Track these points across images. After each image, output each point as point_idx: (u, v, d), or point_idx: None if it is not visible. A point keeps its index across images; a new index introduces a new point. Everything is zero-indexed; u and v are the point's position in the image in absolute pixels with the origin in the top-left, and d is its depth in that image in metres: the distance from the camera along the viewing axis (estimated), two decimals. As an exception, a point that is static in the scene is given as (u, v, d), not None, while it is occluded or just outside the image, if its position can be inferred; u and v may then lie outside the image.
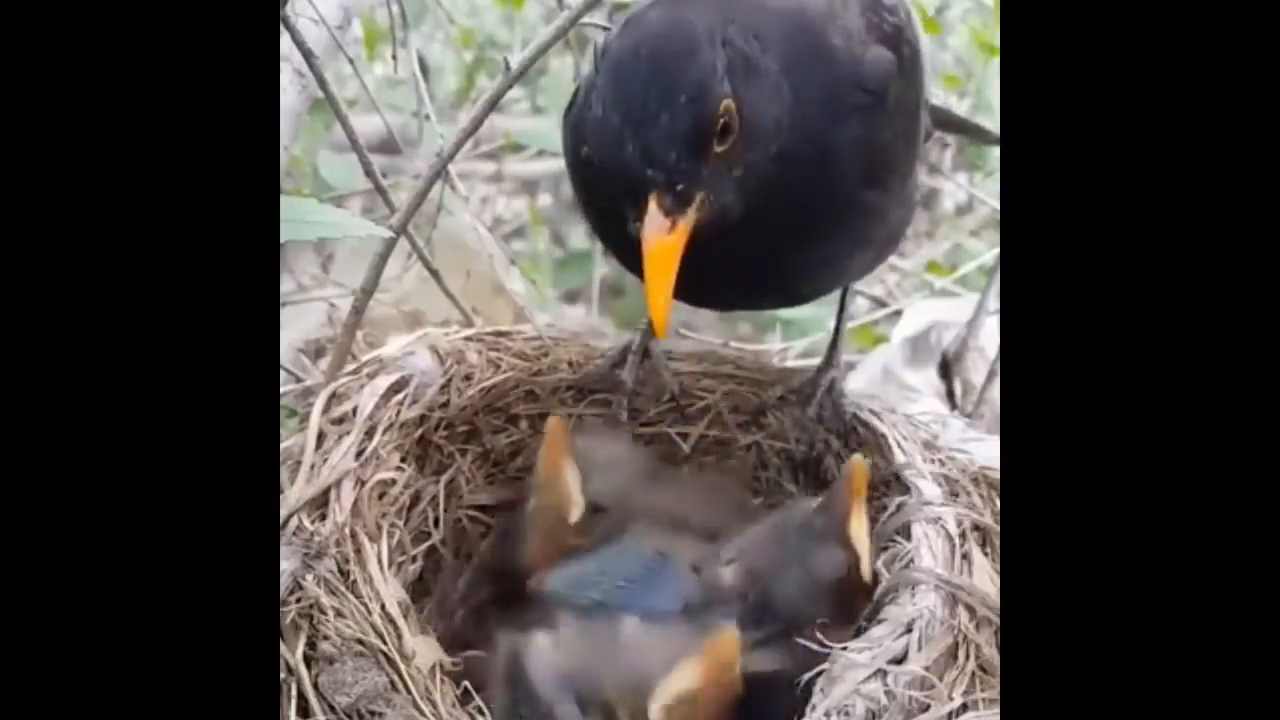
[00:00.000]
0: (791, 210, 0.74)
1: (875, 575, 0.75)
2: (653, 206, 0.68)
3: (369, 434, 0.80)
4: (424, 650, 0.70)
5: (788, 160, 0.72)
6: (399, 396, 0.84)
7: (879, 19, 0.80)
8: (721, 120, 0.68)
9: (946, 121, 1.08)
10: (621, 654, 0.71)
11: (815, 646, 0.70)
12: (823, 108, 0.74)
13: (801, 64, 0.73)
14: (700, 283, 0.75)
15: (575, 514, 0.78)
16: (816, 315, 1.21)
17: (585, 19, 0.89)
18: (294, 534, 0.73)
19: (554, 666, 0.71)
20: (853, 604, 0.74)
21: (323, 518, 0.75)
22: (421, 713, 0.66)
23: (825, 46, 0.76)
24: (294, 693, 0.67)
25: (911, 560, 0.74)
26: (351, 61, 1.05)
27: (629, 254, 0.79)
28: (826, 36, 0.76)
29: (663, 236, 0.68)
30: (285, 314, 1.11)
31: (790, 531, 0.78)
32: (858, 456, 0.78)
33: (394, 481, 0.80)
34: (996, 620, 0.71)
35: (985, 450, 0.85)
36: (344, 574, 0.72)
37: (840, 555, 0.75)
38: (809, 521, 0.77)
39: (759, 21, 0.73)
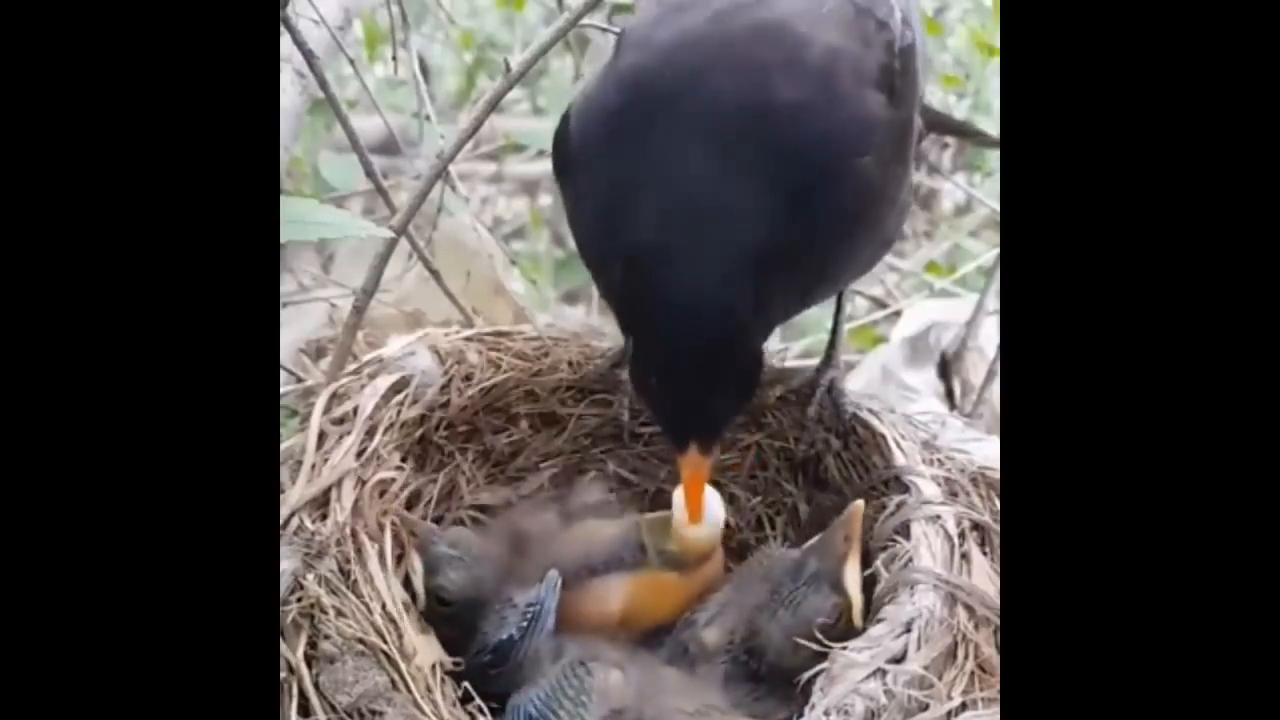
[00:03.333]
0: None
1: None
2: (693, 452, 0.74)
3: (369, 434, 0.80)
4: (424, 649, 0.71)
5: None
6: (399, 396, 0.84)
7: (866, 40, 0.78)
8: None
9: (942, 124, 1.07)
10: (658, 699, 0.71)
11: (814, 647, 0.70)
12: (827, 182, 0.74)
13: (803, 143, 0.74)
14: None
15: (420, 604, 0.77)
16: (815, 315, 1.22)
17: (585, 20, 0.90)
18: (295, 533, 0.73)
19: (611, 703, 0.70)
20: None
21: (323, 517, 0.75)
22: (422, 712, 0.67)
23: (826, 102, 0.75)
24: (295, 692, 0.68)
25: (910, 560, 0.74)
26: (352, 62, 1.05)
27: None
28: (834, 84, 0.75)
29: (701, 468, 0.75)
30: (286, 314, 1.11)
31: (782, 575, 0.76)
32: (859, 502, 0.77)
33: (394, 481, 0.80)
34: (995, 620, 0.71)
35: (984, 450, 0.85)
36: (345, 573, 0.72)
37: (833, 599, 0.74)
38: (801, 563, 0.76)
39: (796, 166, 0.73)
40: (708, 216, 0.72)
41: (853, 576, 0.74)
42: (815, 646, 0.70)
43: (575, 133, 0.78)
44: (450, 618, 0.76)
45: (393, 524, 0.77)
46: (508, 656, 0.74)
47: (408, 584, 0.76)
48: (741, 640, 0.75)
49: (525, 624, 0.74)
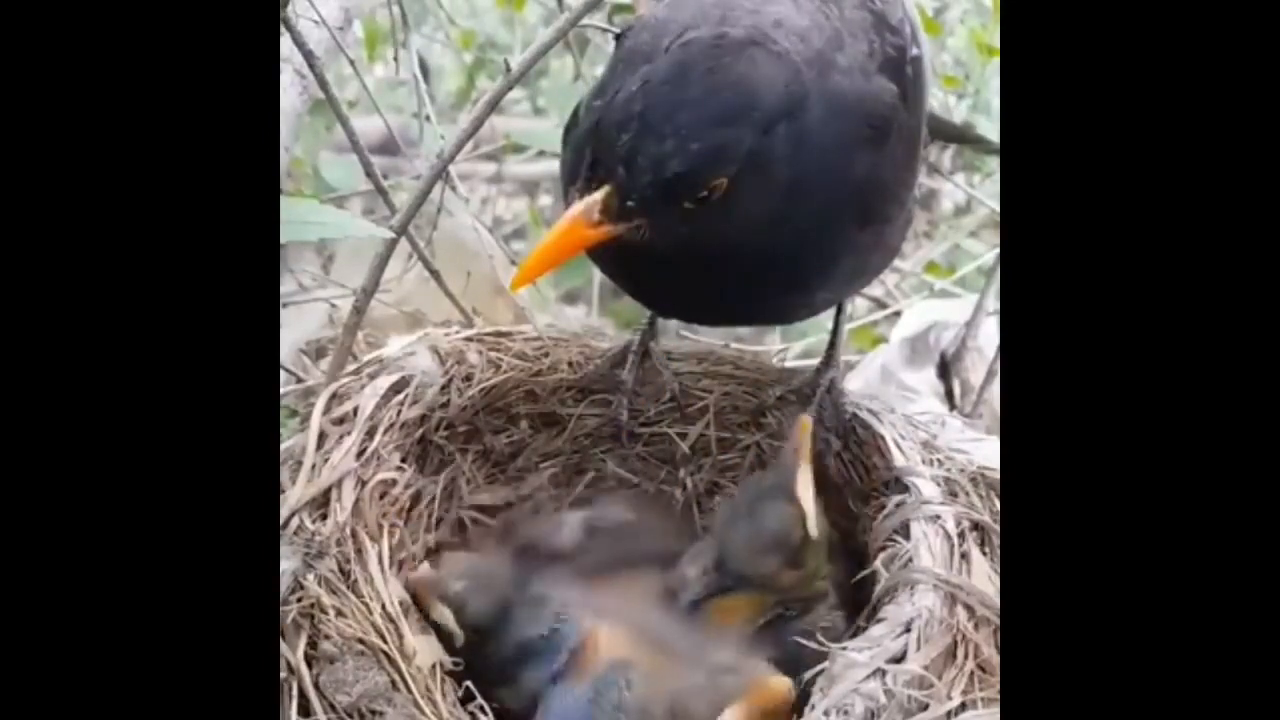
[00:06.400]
0: (785, 256, 0.75)
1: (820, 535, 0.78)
2: (599, 197, 0.68)
3: (370, 434, 0.81)
4: (425, 650, 0.71)
5: (781, 220, 0.72)
6: (400, 397, 0.84)
7: (883, 42, 0.79)
8: (704, 193, 0.69)
9: (944, 132, 1.08)
10: (676, 695, 0.72)
11: (814, 646, 0.70)
12: (824, 164, 0.73)
13: (810, 117, 0.72)
14: (695, 304, 0.80)
15: (459, 641, 0.76)
16: (816, 316, 1.22)
17: (585, 21, 0.90)
18: (295, 534, 0.74)
19: (636, 699, 0.71)
20: (798, 557, 0.77)
21: (324, 517, 0.75)
22: (422, 712, 0.67)
23: (832, 92, 0.74)
24: (295, 692, 0.68)
25: (910, 560, 0.74)
26: (352, 63, 1.05)
27: (609, 259, 0.79)
28: (834, 78, 0.74)
29: (586, 225, 0.68)
30: (286, 314, 1.11)
31: (742, 495, 0.82)
32: (805, 417, 0.81)
33: (395, 481, 0.81)
34: (995, 619, 0.71)
35: (984, 450, 0.85)
36: (345, 573, 0.72)
37: (788, 509, 0.78)
38: (758, 481, 0.81)
39: (804, 105, 0.71)
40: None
41: (804, 487, 0.78)
42: (817, 647, 0.70)
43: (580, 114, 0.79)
44: (483, 640, 0.76)
45: (406, 583, 0.77)
46: (528, 654, 0.75)
47: (408, 585, 0.76)
48: (714, 562, 0.79)
49: (549, 633, 0.75)
